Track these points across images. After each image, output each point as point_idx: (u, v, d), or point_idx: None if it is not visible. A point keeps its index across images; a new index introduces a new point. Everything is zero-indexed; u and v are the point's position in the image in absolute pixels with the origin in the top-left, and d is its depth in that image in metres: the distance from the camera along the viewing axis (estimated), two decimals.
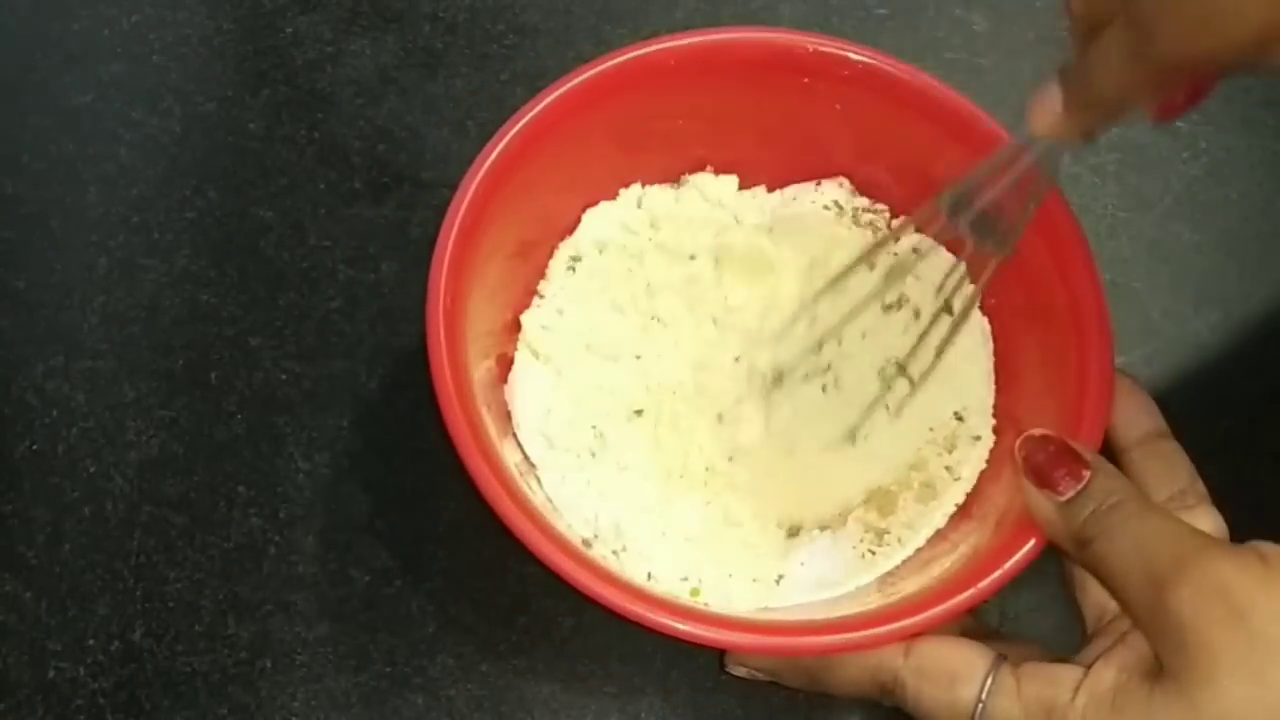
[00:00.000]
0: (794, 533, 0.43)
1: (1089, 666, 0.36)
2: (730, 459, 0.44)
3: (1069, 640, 0.40)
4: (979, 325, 0.46)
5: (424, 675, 0.44)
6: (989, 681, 0.36)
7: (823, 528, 0.43)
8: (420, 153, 0.52)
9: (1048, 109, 0.36)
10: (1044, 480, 0.38)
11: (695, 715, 0.44)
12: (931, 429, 0.44)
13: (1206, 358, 0.51)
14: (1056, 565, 0.40)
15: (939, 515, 0.43)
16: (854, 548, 0.43)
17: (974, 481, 0.44)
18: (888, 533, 0.43)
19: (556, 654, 0.44)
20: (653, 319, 0.46)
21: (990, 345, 0.45)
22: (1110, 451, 0.40)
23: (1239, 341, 0.51)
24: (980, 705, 0.36)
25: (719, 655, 0.40)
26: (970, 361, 0.45)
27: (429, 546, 0.46)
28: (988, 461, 0.44)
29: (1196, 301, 0.52)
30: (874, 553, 0.43)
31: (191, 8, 0.55)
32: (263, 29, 0.54)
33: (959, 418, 0.44)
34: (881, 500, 0.44)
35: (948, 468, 0.44)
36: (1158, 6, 0.32)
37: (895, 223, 0.47)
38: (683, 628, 0.37)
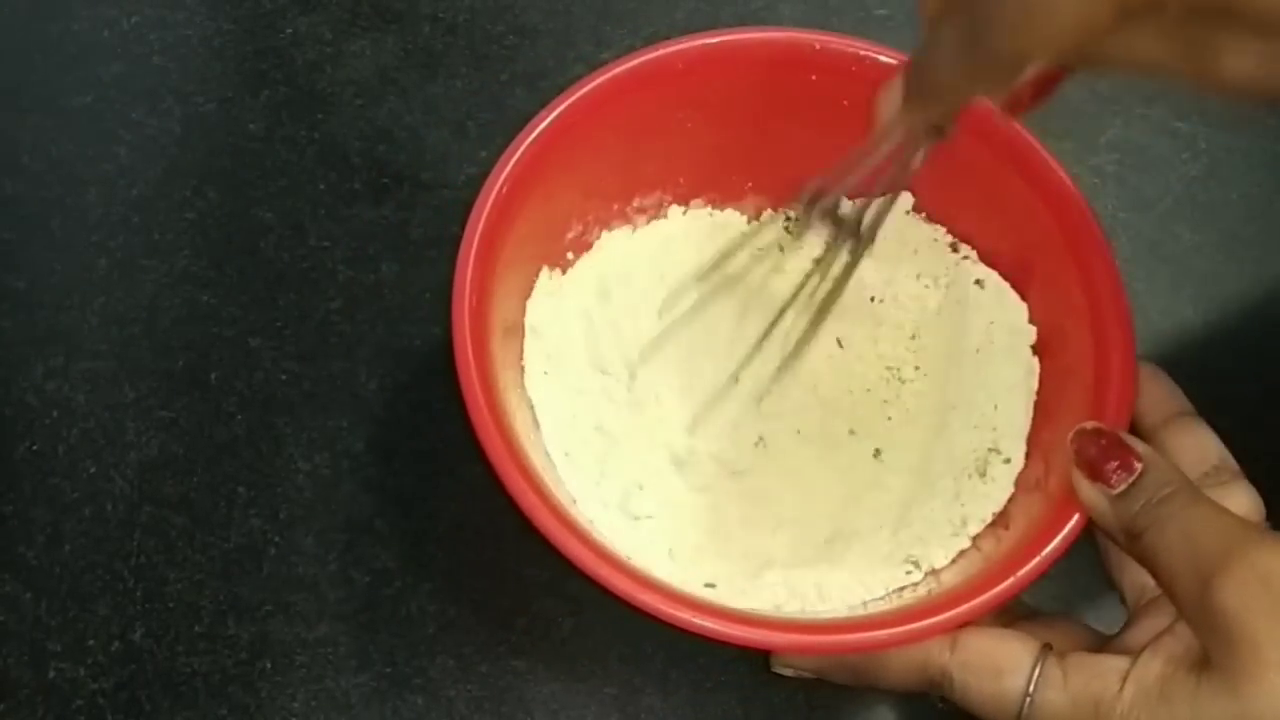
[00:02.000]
0: (831, 543, 0.43)
1: (1136, 655, 0.36)
2: (757, 469, 0.44)
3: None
4: (1027, 362, 0.45)
5: (424, 676, 0.44)
6: (1036, 674, 0.36)
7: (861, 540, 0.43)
8: (420, 153, 0.52)
9: (890, 100, 0.36)
10: (1096, 474, 0.37)
11: (695, 715, 0.44)
12: (973, 451, 0.44)
13: (1206, 358, 0.51)
14: (1089, 551, 0.40)
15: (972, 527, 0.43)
16: (894, 559, 0.42)
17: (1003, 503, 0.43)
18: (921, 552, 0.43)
19: (556, 654, 0.44)
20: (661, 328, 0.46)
21: (1035, 383, 0.44)
22: (1138, 434, 0.40)
23: (1239, 342, 0.51)
24: (1028, 698, 0.36)
25: (761, 656, 0.40)
26: (1011, 396, 0.44)
27: (429, 547, 0.46)
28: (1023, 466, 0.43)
29: (1196, 301, 0.52)
30: (915, 565, 0.42)
31: (191, 8, 0.55)
32: (263, 29, 0.54)
33: (994, 449, 0.44)
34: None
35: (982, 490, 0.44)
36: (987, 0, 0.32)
37: (761, 221, 0.46)
38: (728, 630, 0.37)
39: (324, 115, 0.53)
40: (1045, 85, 0.37)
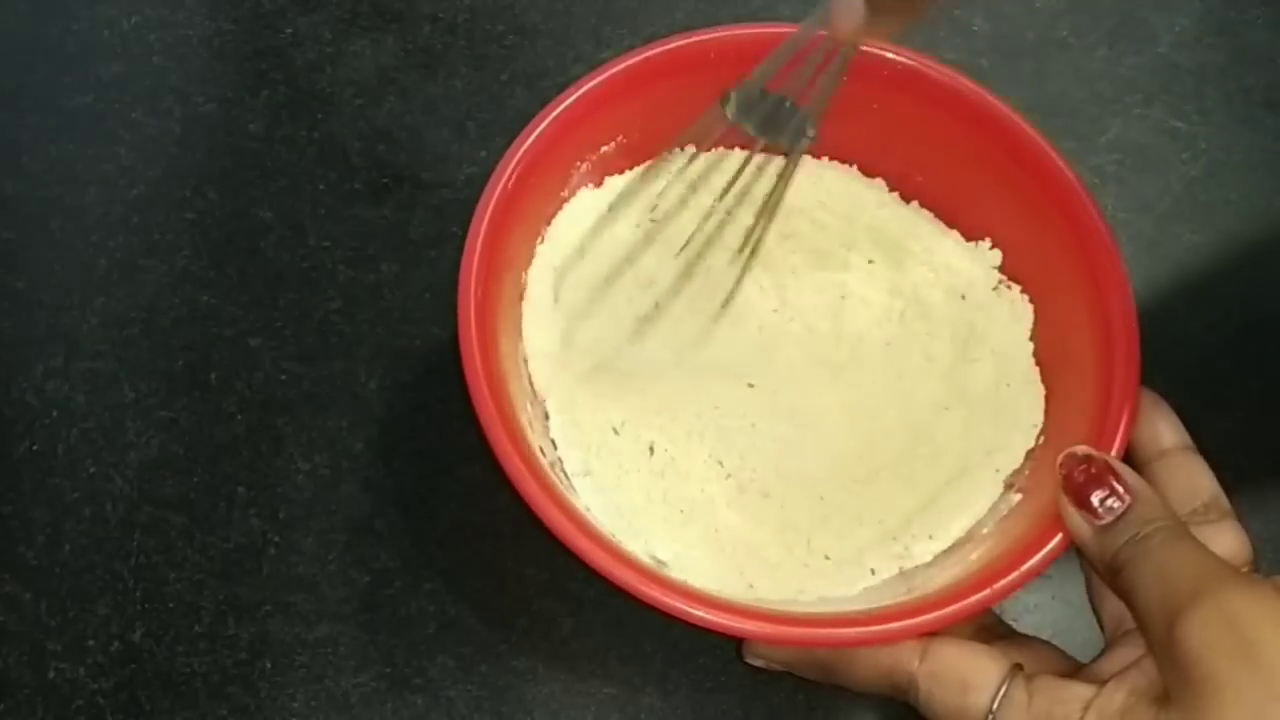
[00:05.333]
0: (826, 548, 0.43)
1: (1102, 684, 0.36)
2: (763, 468, 0.44)
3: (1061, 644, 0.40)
4: (1036, 386, 0.44)
5: (424, 676, 0.44)
6: (1001, 693, 0.36)
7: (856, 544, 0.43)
8: (420, 153, 0.52)
9: (851, 13, 0.36)
10: (1081, 501, 0.37)
11: (695, 715, 0.44)
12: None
13: (1206, 358, 0.51)
14: (1068, 572, 0.40)
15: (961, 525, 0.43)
16: (886, 554, 0.42)
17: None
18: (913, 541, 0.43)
19: (556, 654, 0.44)
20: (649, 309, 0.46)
21: (1042, 403, 0.44)
22: (1133, 464, 0.40)
23: (1239, 341, 0.51)
24: (991, 716, 0.36)
25: (734, 647, 0.40)
26: (1017, 418, 0.44)
27: (429, 547, 0.46)
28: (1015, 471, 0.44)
29: (1196, 301, 0.52)
30: (903, 555, 0.42)
31: (191, 8, 0.55)
32: (263, 29, 0.54)
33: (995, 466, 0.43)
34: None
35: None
36: None
37: (681, 149, 0.45)
38: (696, 613, 0.37)
39: (324, 115, 0.53)
40: None
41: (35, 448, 0.46)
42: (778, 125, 0.40)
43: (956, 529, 0.42)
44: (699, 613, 0.37)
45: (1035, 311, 0.46)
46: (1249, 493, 0.40)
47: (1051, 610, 0.45)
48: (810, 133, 0.40)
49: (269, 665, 0.44)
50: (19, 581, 0.44)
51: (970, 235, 0.47)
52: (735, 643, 0.40)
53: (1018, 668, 0.37)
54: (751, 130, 0.40)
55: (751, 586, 0.41)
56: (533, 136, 0.43)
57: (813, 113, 0.39)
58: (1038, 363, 0.45)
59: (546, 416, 0.43)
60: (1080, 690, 0.36)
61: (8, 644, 0.43)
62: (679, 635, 0.44)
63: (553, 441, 0.43)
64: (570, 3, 0.56)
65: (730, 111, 0.40)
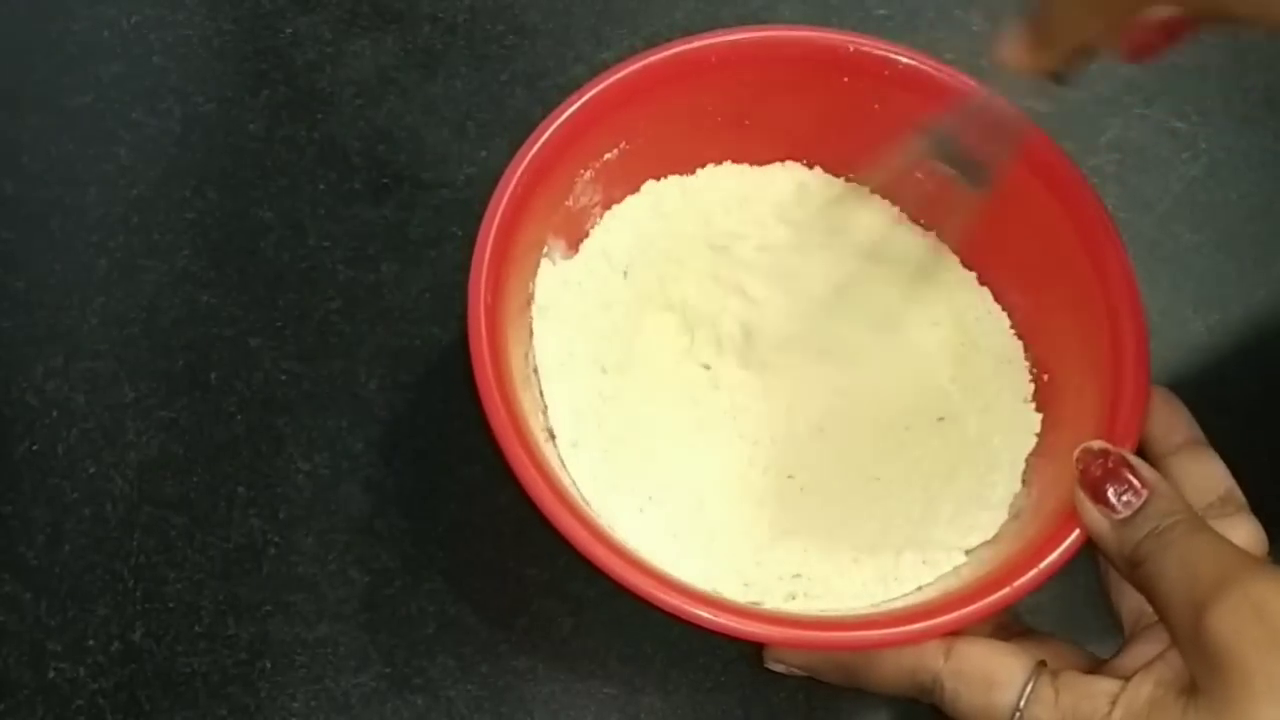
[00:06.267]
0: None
1: (1127, 678, 0.36)
2: (766, 467, 0.44)
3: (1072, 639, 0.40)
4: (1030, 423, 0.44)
5: (424, 676, 0.44)
6: (1028, 690, 0.36)
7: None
8: (420, 153, 0.52)
9: (1011, 44, 0.37)
10: (1099, 496, 0.37)
11: (695, 715, 0.44)
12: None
13: (1206, 358, 0.51)
14: (1083, 567, 0.40)
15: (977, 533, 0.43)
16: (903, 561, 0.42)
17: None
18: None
19: (556, 654, 0.44)
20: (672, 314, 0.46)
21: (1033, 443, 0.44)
22: (1147, 459, 0.39)
23: (1239, 341, 0.51)
24: (1018, 713, 0.36)
25: (735, 647, 0.40)
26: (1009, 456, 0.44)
27: (429, 547, 0.46)
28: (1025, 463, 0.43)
29: (1196, 301, 0.52)
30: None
31: (191, 8, 0.55)
32: (263, 29, 0.54)
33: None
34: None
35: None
36: None
37: (875, 167, 0.46)
38: (715, 619, 0.37)
39: (324, 115, 0.53)
40: (1176, 30, 0.36)
41: (35, 448, 0.46)
42: (963, 170, 0.41)
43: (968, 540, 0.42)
44: (735, 624, 0.37)
45: (1041, 307, 0.45)
46: (1249, 493, 0.40)
47: (1051, 610, 0.45)
48: (986, 187, 0.41)
49: (269, 665, 0.44)
50: (19, 581, 0.44)
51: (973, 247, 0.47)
52: (736, 643, 0.40)
53: (1042, 664, 0.37)
54: (944, 167, 0.41)
55: (794, 598, 0.42)
56: (539, 142, 0.43)
57: (993, 167, 0.41)
58: (1043, 365, 0.45)
59: (553, 431, 0.43)
60: (1106, 685, 0.36)
61: (8, 644, 0.43)
62: (679, 635, 0.44)
63: (562, 460, 0.43)
64: (570, 3, 0.56)
65: (925, 148, 0.41)
